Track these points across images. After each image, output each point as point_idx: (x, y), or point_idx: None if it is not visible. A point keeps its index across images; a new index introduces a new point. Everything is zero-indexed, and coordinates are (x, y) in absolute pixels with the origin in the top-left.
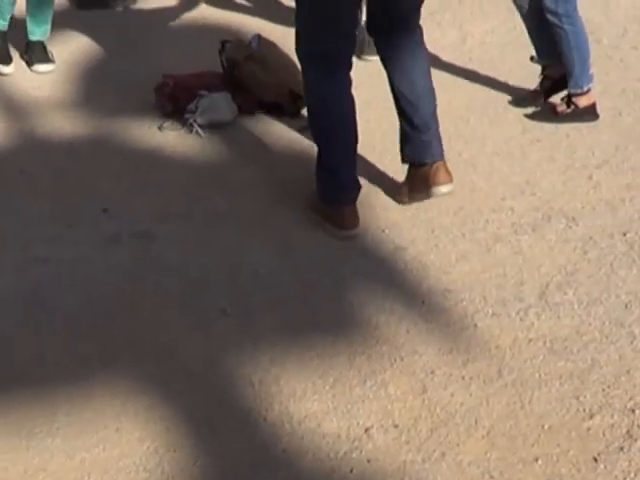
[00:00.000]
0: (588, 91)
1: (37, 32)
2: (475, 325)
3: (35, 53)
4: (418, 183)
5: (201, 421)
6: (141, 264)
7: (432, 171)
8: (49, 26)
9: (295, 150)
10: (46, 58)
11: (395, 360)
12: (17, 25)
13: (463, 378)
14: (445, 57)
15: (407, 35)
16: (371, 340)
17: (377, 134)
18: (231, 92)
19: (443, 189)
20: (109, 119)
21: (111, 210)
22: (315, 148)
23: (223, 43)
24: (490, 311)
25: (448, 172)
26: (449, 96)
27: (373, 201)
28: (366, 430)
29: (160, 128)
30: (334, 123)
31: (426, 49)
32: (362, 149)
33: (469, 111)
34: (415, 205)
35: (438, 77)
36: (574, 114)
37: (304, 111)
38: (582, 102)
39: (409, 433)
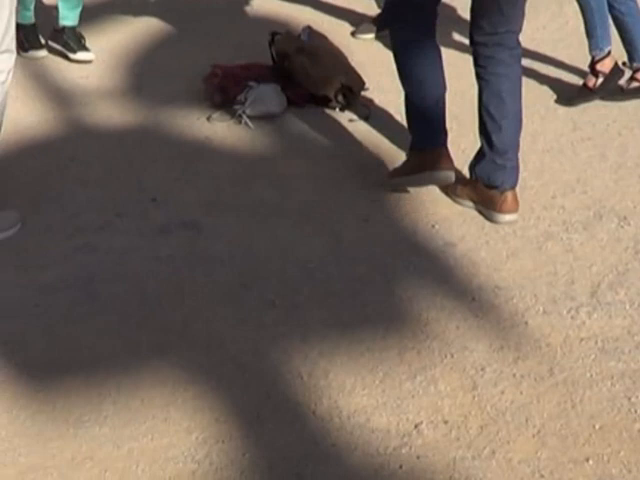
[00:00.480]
0: (609, 53)
1: (70, 17)
2: (526, 323)
3: (72, 40)
4: (482, 201)
5: (250, 413)
6: (190, 255)
7: (500, 198)
8: (80, 10)
9: (345, 142)
10: (83, 46)
11: (445, 356)
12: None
13: (514, 376)
14: None
15: (506, 50)
16: (421, 335)
17: None
18: (281, 84)
19: (507, 217)
20: (158, 109)
21: (160, 200)
22: (364, 139)
23: (273, 35)
24: (541, 309)
25: (516, 201)
26: None
27: (423, 196)
28: (416, 426)
29: (209, 119)
30: (426, 91)
31: (520, 68)
32: None
33: None
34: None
35: None
36: (606, 82)
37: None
38: (606, 66)
39: (459, 430)
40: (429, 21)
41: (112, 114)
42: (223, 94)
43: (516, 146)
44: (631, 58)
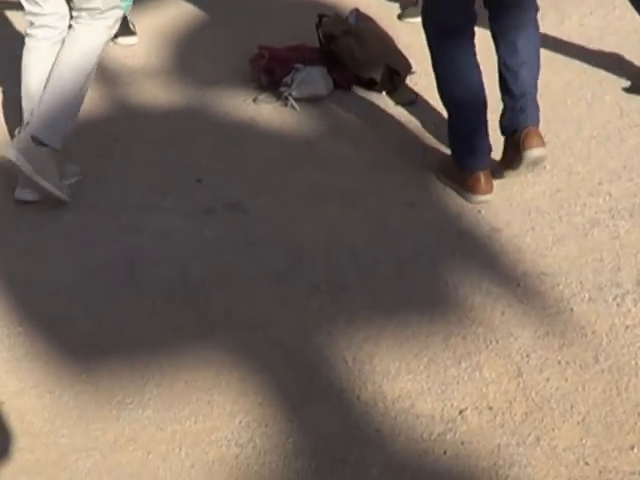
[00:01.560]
0: None
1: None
2: (571, 309)
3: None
4: (510, 152)
5: (294, 396)
6: (235, 236)
7: (522, 136)
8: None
9: (391, 126)
10: (129, 31)
11: (490, 342)
12: None
13: (559, 362)
14: (543, 38)
15: (522, 14)
16: (466, 321)
17: None
18: (327, 66)
19: (535, 152)
20: (204, 90)
21: (205, 181)
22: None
23: (320, 17)
24: (587, 296)
25: (540, 137)
26: (546, 78)
27: None
28: (460, 412)
29: (255, 100)
30: (464, 91)
31: (539, 31)
32: None
33: (566, 94)
34: (511, 186)
35: None
36: None
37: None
38: None
39: (504, 416)
40: (468, 18)
41: (157, 94)
42: (269, 76)
43: (534, 88)
44: None
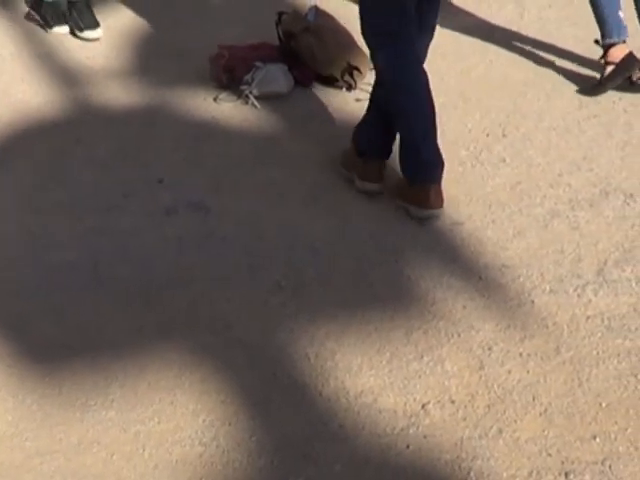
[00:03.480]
0: (619, 42)
1: None
2: (532, 302)
3: (81, 15)
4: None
5: (257, 394)
6: (197, 236)
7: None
8: None
9: (351, 123)
10: (94, 22)
11: (452, 336)
12: None
13: (520, 355)
14: (502, 32)
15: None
16: (428, 315)
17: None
18: (287, 64)
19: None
20: (165, 89)
21: (167, 181)
22: None
23: (280, 15)
24: (547, 287)
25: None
26: (506, 71)
27: None
28: (423, 406)
29: (216, 99)
30: (409, 100)
31: None
32: None
33: (526, 86)
34: (471, 180)
35: (495, 52)
36: (616, 72)
37: (360, 84)
38: (617, 54)
39: (466, 409)
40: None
41: (118, 95)
42: (230, 74)
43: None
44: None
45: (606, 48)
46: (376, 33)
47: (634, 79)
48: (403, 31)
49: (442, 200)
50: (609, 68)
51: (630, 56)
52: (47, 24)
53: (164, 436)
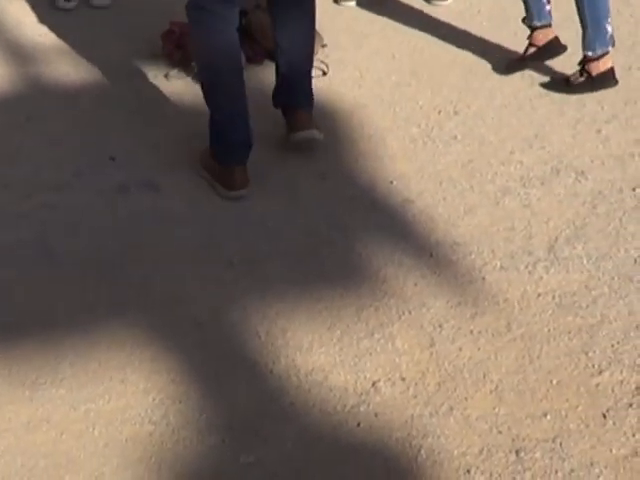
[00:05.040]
0: (602, 56)
1: None
2: (483, 278)
3: None
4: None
5: (207, 373)
6: (148, 213)
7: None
8: None
9: None
10: None
11: (403, 313)
12: None
13: (471, 332)
14: (454, 9)
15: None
16: (379, 293)
17: (387, 86)
18: (240, 41)
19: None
20: (115, 67)
21: (118, 158)
22: None
23: None
24: (498, 264)
25: (309, 119)
26: (458, 49)
27: (381, 152)
28: (373, 384)
29: (167, 76)
30: (218, 78)
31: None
32: (372, 99)
33: (478, 64)
34: (423, 157)
35: (447, 29)
36: (587, 83)
37: (315, 62)
38: (595, 68)
39: (416, 387)
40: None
41: (69, 72)
42: (181, 51)
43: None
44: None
45: (531, 30)
46: (195, 5)
47: (571, 79)
48: (221, 9)
49: (247, 180)
50: (531, 49)
51: (554, 41)
52: None
53: (114, 415)
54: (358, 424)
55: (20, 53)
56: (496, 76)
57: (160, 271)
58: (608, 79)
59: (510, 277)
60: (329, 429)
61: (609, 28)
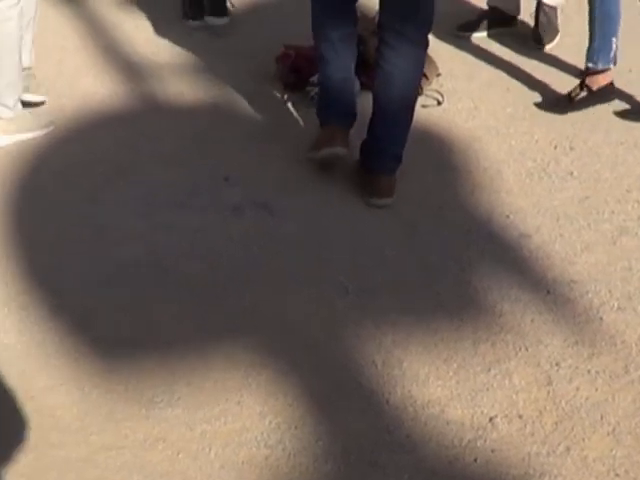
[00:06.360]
0: (604, 71)
1: None
2: (601, 318)
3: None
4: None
5: (323, 399)
6: (262, 235)
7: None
8: None
9: (417, 129)
10: (222, 10)
11: (520, 349)
12: None
13: (589, 372)
14: (565, 44)
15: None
16: (495, 327)
17: (502, 118)
18: (355, 67)
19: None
20: (230, 88)
21: (232, 179)
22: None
23: None
24: (616, 305)
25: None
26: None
27: (497, 185)
28: (490, 419)
29: (282, 99)
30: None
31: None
32: (487, 131)
33: None
34: (539, 192)
35: (561, 64)
36: (589, 99)
37: (426, 90)
38: (595, 82)
39: (534, 425)
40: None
41: (183, 91)
42: (296, 75)
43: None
44: None
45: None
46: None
47: (572, 95)
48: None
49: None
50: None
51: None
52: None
53: (231, 437)
54: (475, 459)
55: (133, 70)
56: (612, 111)
57: (274, 294)
58: (608, 93)
59: (627, 318)
60: (446, 463)
61: (614, 46)
